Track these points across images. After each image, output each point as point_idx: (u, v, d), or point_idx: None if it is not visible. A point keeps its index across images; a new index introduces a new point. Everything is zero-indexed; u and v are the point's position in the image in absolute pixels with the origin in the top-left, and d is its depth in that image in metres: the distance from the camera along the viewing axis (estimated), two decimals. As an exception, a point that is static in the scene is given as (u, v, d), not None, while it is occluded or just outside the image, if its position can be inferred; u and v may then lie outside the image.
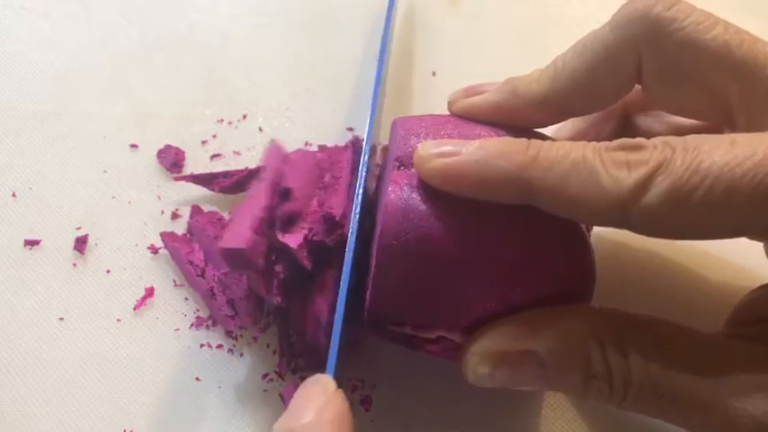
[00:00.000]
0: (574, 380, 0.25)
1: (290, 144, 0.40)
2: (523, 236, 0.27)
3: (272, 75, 0.43)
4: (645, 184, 0.23)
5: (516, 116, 0.30)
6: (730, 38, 0.26)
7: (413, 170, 0.28)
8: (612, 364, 0.25)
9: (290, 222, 0.33)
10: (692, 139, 0.23)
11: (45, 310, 0.34)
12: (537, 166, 0.25)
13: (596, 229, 0.34)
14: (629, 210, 0.23)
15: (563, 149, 0.25)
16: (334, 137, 0.40)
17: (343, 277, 0.28)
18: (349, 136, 0.40)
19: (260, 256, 0.31)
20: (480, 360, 0.26)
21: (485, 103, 0.30)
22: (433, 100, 0.43)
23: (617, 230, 0.26)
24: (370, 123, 0.33)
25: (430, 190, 0.27)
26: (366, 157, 0.32)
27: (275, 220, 0.33)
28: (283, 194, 0.33)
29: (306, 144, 0.40)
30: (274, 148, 0.35)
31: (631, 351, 0.25)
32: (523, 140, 0.26)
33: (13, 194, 0.37)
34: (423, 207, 0.27)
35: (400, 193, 0.27)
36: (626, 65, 0.28)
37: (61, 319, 0.34)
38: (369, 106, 0.34)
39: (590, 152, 0.24)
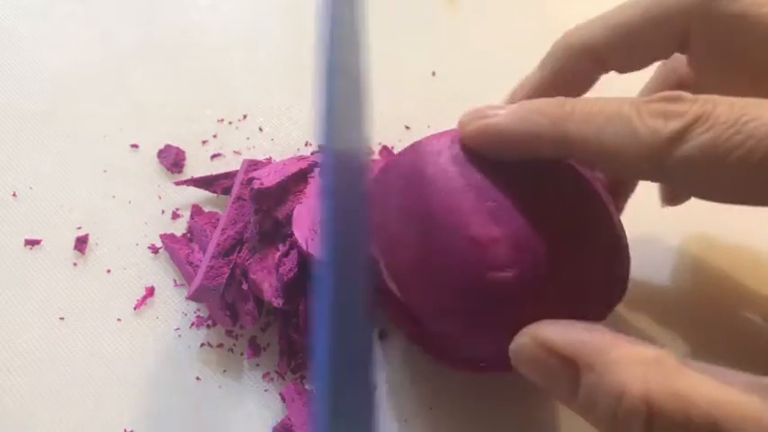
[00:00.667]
0: (601, 412, 0.22)
1: (290, 144, 0.40)
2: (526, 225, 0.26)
3: (272, 75, 0.43)
4: (682, 136, 0.22)
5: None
6: None
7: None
8: (661, 408, 0.21)
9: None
10: (739, 99, 0.23)
11: (45, 309, 0.34)
12: (573, 119, 0.25)
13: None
14: (664, 161, 0.23)
15: (600, 102, 0.25)
16: (335, 137, 0.40)
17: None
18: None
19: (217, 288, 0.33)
20: (529, 342, 0.25)
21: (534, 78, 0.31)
22: (433, 100, 0.43)
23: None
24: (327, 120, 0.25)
25: (466, 155, 0.27)
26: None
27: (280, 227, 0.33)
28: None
29: (306, 144, 0.40)
30: None
31: (693, 397, 0.21)
32: (560, 98, 0.26)
33: (14, 194, 0.37)
34: (451, 169, 0.27)
35: (437, 142, 0.28)
36: (671, 28, 0.28)
37: (61, 318, 0.34)
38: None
39: (627, 104, 0.24)
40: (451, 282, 0.26)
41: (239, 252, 0.34)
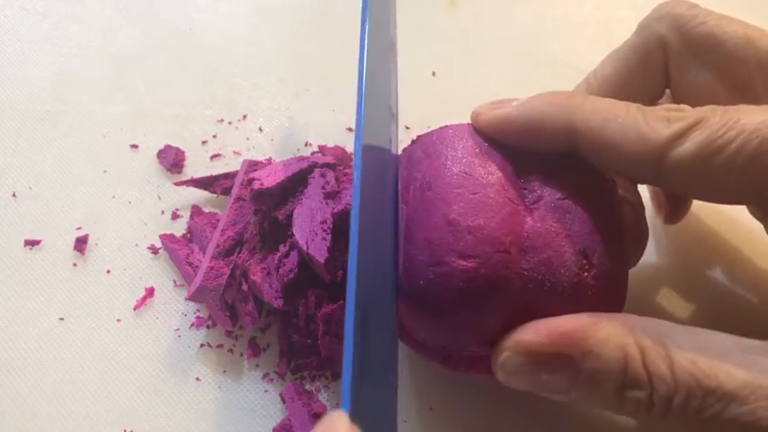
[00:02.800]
0: (609, 388, 0.24)
1: (290, 144, 0.40)
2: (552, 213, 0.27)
3: (272, 75, 0.43)
4: (681, 136, 0.24)
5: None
6: (750, 32, 0.28)
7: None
8: (654, 370, 0.23)
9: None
10: (733, 106, 0.24)
11: (45, 310, 0.34)
12: (582, 110, 0.26)
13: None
14: (663, 158, 0.24)
15: (608, 101, 0.26)
16: (334, 137, 0.40)
17: (347, 309, 0.23)
18: (349, 136, 0.40)
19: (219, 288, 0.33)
20: (511, 355, 0.25)
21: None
22: (433, 100, 0.43)
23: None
24: (359, 121, 0.28)
25: (481, 147, 0.28)
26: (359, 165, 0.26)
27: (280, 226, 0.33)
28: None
29: (306, 144, 0.40)
30: None
31: (676, 357, 0.23)
32: (568, 91, 0.28)
33: (14, 194, 0.37)
34: (461, 155, 0.28)
35: (462, 128, 0.29)
36: (655, 63, 0.30)
37: (61, 319, 0.34)
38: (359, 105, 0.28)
39: (634, 107, 0.26)
40: (421, 259, 0.26)
41: (239, 253, 0.34)
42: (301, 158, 0.37)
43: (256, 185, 0.34)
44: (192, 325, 0.34)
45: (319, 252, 0.31)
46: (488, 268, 0.25)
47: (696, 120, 0.24)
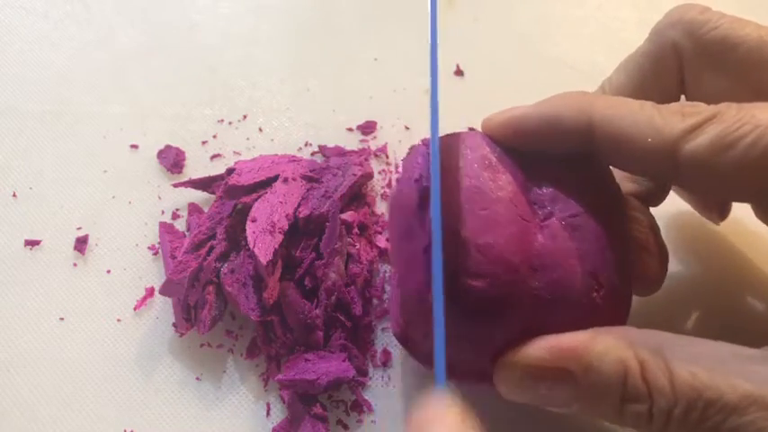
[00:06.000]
0: (609, 401, 0.24)
1: (290, 144, 0.40)
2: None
3: (272, 75, 0.43)
4: (695, 129, 0.24)
5: None
6: (765, 34, 0.28)
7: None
8: (653, 383, 0.23)
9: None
10: (749, 103, 0.25)
11: (45, 310, 0.34)
12: (597, 106, 0.26)
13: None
14: (677, 151, 0.24)
15: (622, 98, 0.27)
16: (335, 137, 0.40)
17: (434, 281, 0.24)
18: (349, 136, 0.40)
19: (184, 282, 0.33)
20: (513, 370, 0.25)
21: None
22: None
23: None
24: (434, 124, 0.28)
25: (493, 160, 0.27)
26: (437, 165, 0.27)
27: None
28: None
29: (306, 144, 0.40)
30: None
31: (675, 369, 0.23)
32: (583, 91, 0.28)
33: (14, 194, 0.38)
34: (470, 167, 0.27)
35: (475, 137, 0.28)
36: (669, 69, 0.30)
37: (61, 319, 0.34)
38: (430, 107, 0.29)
39: (649, 103, 0.26)
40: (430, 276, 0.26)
41: (208, 255, 0.34)
42: (293, 159, 0.37)
43: (233, 180, 0.34)
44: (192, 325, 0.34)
45: (263, 252, 0.31)
46: (498, 288, 0.25)
47: (711, 114, 0.24)
